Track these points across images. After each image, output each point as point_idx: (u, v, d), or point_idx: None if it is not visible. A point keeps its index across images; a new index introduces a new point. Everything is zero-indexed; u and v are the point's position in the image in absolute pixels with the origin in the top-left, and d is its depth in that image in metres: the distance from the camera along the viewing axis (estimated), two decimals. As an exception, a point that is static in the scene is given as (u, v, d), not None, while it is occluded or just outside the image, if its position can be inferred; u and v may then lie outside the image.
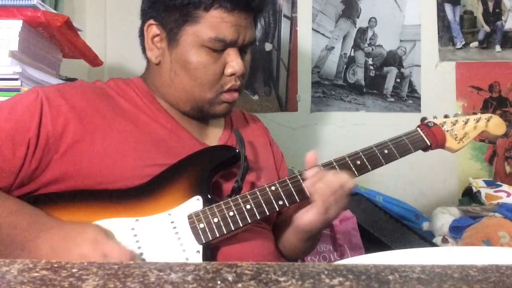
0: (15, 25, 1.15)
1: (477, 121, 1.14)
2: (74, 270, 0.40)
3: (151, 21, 1.02)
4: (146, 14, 1.05)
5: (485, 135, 1.18)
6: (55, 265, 0.42)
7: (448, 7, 2.02)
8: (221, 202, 0.93)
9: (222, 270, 0.41)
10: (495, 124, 1.16)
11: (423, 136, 1.08)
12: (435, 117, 1.13)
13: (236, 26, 0.98)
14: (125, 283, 0.38)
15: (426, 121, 1.12)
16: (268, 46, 2.09)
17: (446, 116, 1.14)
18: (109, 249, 0.80)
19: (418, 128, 1.10)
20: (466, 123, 1.13)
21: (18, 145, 0.88)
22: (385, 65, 2.06)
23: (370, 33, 2.06)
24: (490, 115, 1.16)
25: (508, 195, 1.67)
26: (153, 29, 1.02)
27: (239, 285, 0.38)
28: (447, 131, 1.11)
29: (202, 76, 1.00)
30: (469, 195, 1.78)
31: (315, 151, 1.00)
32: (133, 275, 0.40)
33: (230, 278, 0.39)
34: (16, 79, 1.13)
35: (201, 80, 1.00)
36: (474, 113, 1.17)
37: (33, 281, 0.38)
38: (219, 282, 0.38)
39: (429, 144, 1.08)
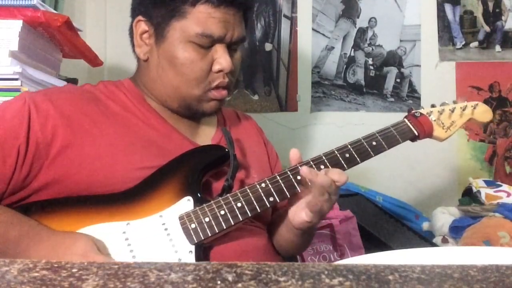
0: (15, 25, 1.15)
1: (463, 109, 1.14)
2: (74, 270, 0.40)
3: (140, 17, 1.03)
4: (135, 11, 1.05)
5: (472, 122, 1.18)
6: (55, 265, 0.42)
7: (448, 7, 2.02)
8: (212, 201, 0.93)
9: (222, 270, 0.41)
10: (482, 111, 1.16)
11: (411, 126, 1.08)
12: (422, 107, 1.14)
13: (224, 22, 0.98)
14: (125, 283, 0.38)
15: (413, 111, 1.12)
16: (268, 46, 2.09)
17: (433, 106, 1.14)
18: None
19: (405, 119, 1.10)
20: (452, 111, 1.13)
21: (8, 152, 0.88)
22: (385, 65, 2.06)
23: (370, 33, 2.06)
24: (476, 102, 1.16)
25: (508, 195, 1.67)
26: (142, 25, 1.03)
27: (239, 285, 0.38)
28: (434, 120, 1.11)
29: (189, 72, 0.99)
30: (469, 195, 1.78)
31: (297, 150, 1.00)
32: (133, 275, 0.40)
33: (230, 278, 0.39)
34: (16, 79, 1.13)
35: (188, 76, 0.99)
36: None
37: (33, 281, 0.38)
38: (219, 282, 0.38)
39: (416, 134, 1.08)
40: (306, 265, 0.43)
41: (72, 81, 1.42)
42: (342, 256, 1.54)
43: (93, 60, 1.43)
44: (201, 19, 0.97)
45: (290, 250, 1.10)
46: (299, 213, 0.97)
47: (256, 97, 2.08)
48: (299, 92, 2.06)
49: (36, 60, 1.24)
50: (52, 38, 1.29)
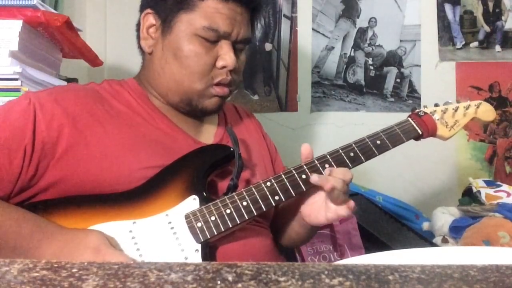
0: (15, 25, 1.15)
1: (466, 108, 1.14)
2: (74, 270, 0.40)
3: (148, 10, 1.04)
4: (144, 4, 1.06)
5: (476, 121, 1.18)
6: (55, 265, 0.42)
7: (448, 7, 2.02)
8: (218, 200, 0.93)
9: (222, 270, 0.41)
10: (485, 111, 1.16)
11: (414, 125, 1.09)
12: (425, 106, 1.14)
13: (231, 19, 0.99)
14: (125, 283, 0.38)
15: (416, 110, 1.13)
16: (268, 46, 2.09)
17: (436, 105, 1.15)
18: (110, 257, 0.80)
19: (409, 118, 1.11)
20: (456, 110, 1.13)
21: (15, 153, 0.88)
22: (385, 65, 2.06)
23: (370, 33, 2.06)
24: (479, 101, 1.17)
25: (508, 195, 1.67)
26: (150, 18, 1.04)
27: (239, 285, 0.38)
28: (438, 119, 1.11)
29: (193, 65, 1.00)
30: (469, 195, 1.78)
31: (308, 145, 1.01)
32: (133, 275, 0.40)
33: (230, 278, 0.39)
34: (16, 79, 1.13)
35: (191, 69, 1.00)
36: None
37: (33, 281, 0.38)
38: (219, 282, 0.38)
39: (420, 133, 1.09)
40: (306, 265, 0.43)
41: (72, 81, 1.42)
42: (342, 256, 1.54)
43: (93, 60, 1.43)
44: (208, 13, 0.98)
45: (296, 241, 1.15)
46: (317, 215, 1.00)
47: (256, 97, 2.08)
48: (299, 92, 2.06)
49: (36, 60, 1.24)
50: (52, 38, 1.29)
